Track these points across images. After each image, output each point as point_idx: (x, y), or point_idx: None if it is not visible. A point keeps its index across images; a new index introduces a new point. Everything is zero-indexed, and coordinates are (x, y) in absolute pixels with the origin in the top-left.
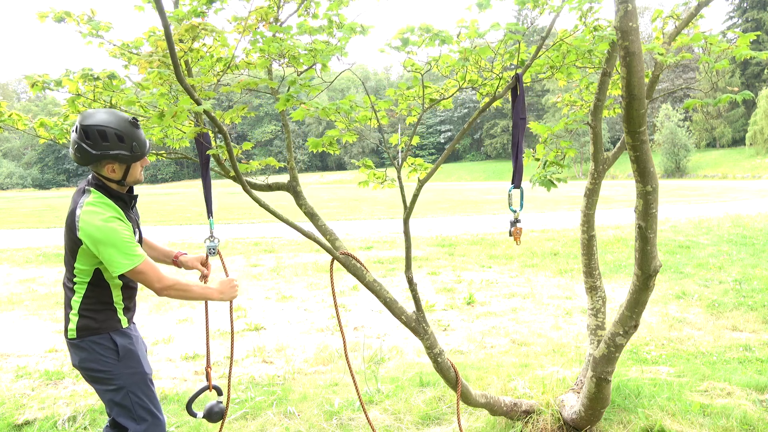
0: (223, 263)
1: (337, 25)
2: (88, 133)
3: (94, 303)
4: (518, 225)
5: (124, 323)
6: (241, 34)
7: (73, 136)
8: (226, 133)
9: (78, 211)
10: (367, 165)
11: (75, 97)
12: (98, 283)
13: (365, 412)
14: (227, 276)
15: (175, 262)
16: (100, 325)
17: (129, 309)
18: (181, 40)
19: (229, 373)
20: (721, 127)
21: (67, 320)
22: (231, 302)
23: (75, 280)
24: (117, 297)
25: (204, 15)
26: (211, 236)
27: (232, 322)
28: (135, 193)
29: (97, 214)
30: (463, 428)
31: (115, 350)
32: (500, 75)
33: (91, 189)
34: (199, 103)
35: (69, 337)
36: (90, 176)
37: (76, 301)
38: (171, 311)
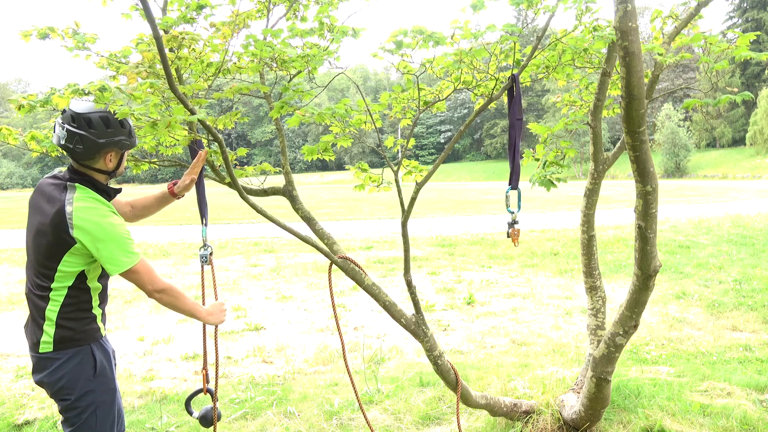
0: (213, 275)
1: (328, 27)
2: (91, 121)
3: (73, 311)
4: (516, 226)
5: (103, 331)
6: (224, 40)
7: (70, 128)
8: (222, 140)
9: (68, 209)
10: (363, 168)
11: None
12: (79, 286)
13: (364, 414)
14: (216, 299)
15: (174, 195)
16: (81, 336)
17: (104, 315)
18: (171, 50)
19: (214, 402)
20: (721, 127)
21: (38, 332)
22: (216, 327)
23: (53, 285)
24: (95, 302)
25: (193, 21)
26: (204, 245)
27: (217, 348)
28: (118, 186)
29: (94, 209)
30: (463, 428)
31: (93, 366)
32: (495, 76)
33: (75, 185)
34: (193, 113)
35: (41, 351)
36: (64, 172)
37: (53, 310)
38: (171, 311)
